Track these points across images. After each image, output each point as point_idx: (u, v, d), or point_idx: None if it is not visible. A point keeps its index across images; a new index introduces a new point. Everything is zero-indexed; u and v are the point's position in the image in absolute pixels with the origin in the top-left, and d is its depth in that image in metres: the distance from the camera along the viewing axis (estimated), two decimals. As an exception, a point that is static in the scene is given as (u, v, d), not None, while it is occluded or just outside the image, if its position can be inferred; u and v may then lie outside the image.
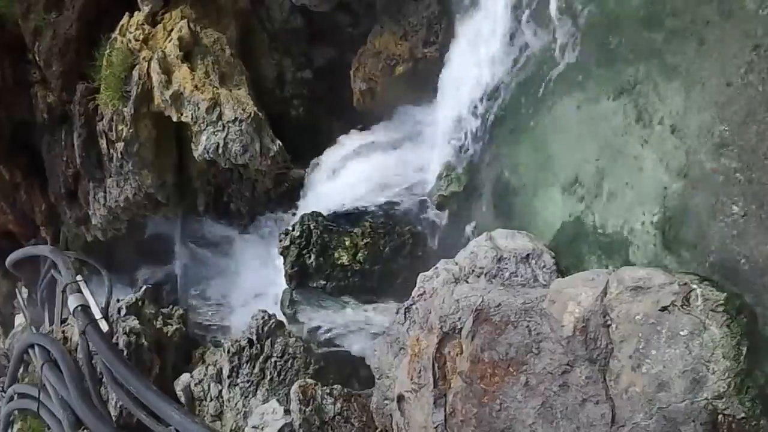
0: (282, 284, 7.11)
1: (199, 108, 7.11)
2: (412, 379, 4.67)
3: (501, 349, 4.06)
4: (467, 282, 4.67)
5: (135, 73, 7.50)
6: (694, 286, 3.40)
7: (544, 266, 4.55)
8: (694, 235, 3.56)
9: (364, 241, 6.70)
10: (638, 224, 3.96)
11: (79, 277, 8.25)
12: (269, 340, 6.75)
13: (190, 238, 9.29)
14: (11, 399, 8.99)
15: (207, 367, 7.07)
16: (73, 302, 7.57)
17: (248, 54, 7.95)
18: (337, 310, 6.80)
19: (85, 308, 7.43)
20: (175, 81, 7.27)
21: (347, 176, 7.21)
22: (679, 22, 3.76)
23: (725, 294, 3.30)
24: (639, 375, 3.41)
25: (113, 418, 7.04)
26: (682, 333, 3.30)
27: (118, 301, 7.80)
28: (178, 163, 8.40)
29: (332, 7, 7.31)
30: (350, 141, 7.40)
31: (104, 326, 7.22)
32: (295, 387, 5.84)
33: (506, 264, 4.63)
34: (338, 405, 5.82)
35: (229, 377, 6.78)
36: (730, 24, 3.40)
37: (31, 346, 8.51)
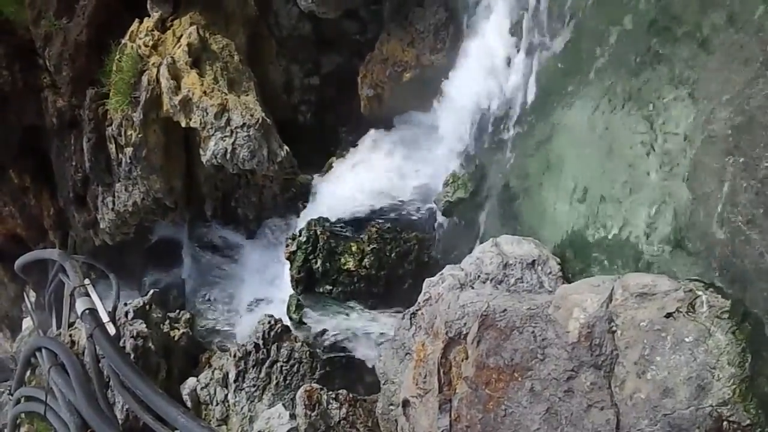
0: (287, 289, 7.13)
1: (207, 113, 7.15)
2: (417, 385, 4.68)
3: (506, 354, 4.06)
4: (473, 288, 4.68)
5: (144, 79, 7.55)
6: (700, 293, 3.40)
7: (549, 272, 4.56)
8: (699, 241, 3.56)
9: (371, 246, 6.71)
10: (644, 231, 3.97)
11: (86, 281, 8.30)
12: (275, 344, 6.77)
13: (198, 243, 9.32)
14: (18, 402, 9.04)
15: (213, 372, 7.10)
16: (80, 306, 7.61)
17: (256, 60, 7.99)
18: (343, 316, 6.82)
19: (92, 312, 7.48)
20: (184, 87, 7.32)
21: (353, 182, 7.25)
22: (686, 29, 3.78)
23: (730, 301, 3.30)
24: (644, 381, 3.41)
25: (120, 421, 7.07)
26: (687, 339, 3.31)
27: (125, 304, 7.83)
28: (186, 169, 8.45)
29: (340, 14, 7.35)
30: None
31: (111, 330, 7.26)
32: (300, 392, 5.86)
33: (512, 270, 4.64)
34: (344, 410, 5.83)
35: (235, 381, 6.80)
36: (737, 30, 3.42)
37: (39, 349, 8.56)
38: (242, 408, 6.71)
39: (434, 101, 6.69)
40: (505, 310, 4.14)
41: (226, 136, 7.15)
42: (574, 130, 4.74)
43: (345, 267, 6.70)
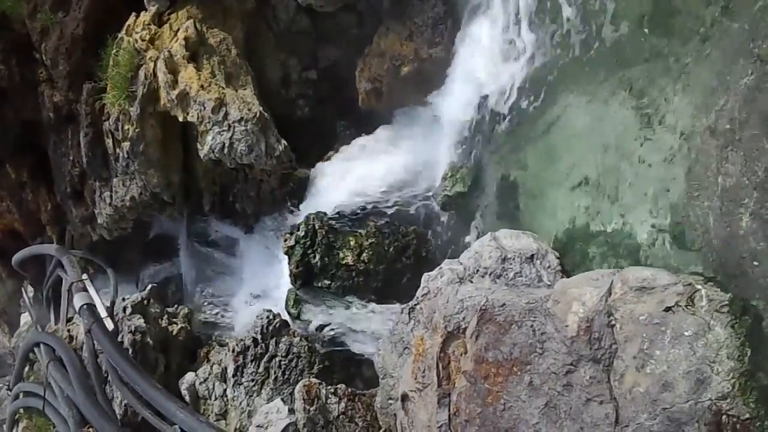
0: (286, 283, 7.12)
1: (204, 108, 7.12)
2: (416, 379, 4.68)
3: (505, 348, 4.06)
4: (471, 282, 4.68)
5: (141, 73, 7.52)
6: (699, 287, 3.40)
7: (548, 266, 4.56)
8: (699, 235, 3.56)
9: (369, 241, 6.70)
10: (643, 225, 3.97)
11: (84, 276, 8.29)
12: (274, 339, 6.77)
13: (196, 238, 9.31)
14: (17, 397, 9.04)
15: (212, 366, 7.10)
16: (78, 301, 7.60)
17: (254, 54, 7.95)
18: (342, 310, 6.81)
19: (90, 307, 7.47)
20: (181, 81, 7.28)
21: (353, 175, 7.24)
22: (683, 23, 3.77)
23: (730, 294, 3.30)
24: (643, 375, 3.41)
25: (118, 416, 7.07)
26: (686, 333, 3.30)
27: (123, 299, 7.83)
28: (183, 163, 8.42)
29: (338, 7, 7.32)
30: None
31: (110, 325, 7.25)
32: (299, 386, 5.86)
33: (511, 264, 4.64)
34: (342, 404, 5.83)
35: (233, 376, 6.79)
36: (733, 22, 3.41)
37: (37, 344, 8.55)
38: (241, 403, 6.71)
39: (432, 95, 6.66)
40: (504, 304, 4.14)
41: (223, 131, 7.11)
42: (573, 123, 4.73)
43: (343, 261, 6.69)
